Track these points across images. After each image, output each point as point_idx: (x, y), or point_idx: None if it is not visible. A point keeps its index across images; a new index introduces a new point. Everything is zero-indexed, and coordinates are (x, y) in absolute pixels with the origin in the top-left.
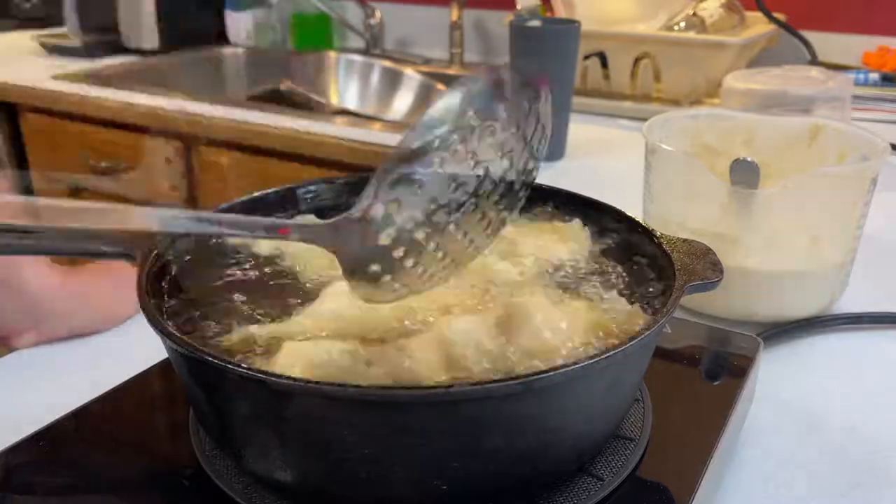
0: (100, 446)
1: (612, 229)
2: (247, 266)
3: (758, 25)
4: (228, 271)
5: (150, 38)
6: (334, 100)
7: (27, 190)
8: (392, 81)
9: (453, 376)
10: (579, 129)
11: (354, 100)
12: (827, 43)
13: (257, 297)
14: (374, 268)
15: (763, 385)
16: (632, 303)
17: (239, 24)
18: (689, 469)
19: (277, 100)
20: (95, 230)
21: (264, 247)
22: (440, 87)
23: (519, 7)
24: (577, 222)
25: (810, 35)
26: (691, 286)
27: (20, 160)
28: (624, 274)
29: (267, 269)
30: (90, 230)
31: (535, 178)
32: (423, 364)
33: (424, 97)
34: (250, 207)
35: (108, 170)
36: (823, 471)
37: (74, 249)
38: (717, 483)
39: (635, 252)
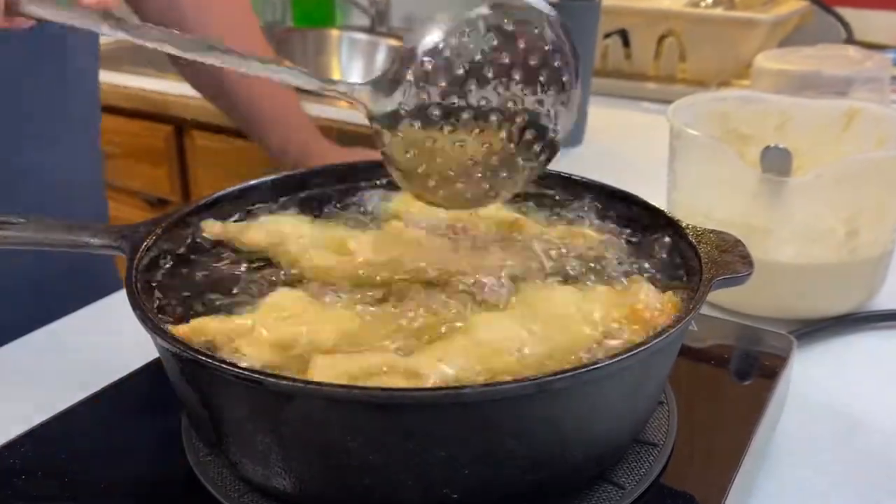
0: (87, 451)
1: (634, 219)
2: (229, 260)
3: (790, 2)
4: (219, 264)
5: None
6: None
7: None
8: None
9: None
10: (599, 113)
11: (359, 81)
12: (864, 20)
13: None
14: (402, 112)
15: (796, 386)
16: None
17: None
18: (716, 477)
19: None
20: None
21: (258, 239)
22: None
23: None
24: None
25: (846, 12)
26: (719, 280)
27: None
28: (646, 267)
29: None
30: (74, 223)
31: (555, 140)
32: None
33: None
34: (239, 195)
35: None
36: (862, 477)
37: (59, 242)
38: (747, 492)
39: (659, 244)
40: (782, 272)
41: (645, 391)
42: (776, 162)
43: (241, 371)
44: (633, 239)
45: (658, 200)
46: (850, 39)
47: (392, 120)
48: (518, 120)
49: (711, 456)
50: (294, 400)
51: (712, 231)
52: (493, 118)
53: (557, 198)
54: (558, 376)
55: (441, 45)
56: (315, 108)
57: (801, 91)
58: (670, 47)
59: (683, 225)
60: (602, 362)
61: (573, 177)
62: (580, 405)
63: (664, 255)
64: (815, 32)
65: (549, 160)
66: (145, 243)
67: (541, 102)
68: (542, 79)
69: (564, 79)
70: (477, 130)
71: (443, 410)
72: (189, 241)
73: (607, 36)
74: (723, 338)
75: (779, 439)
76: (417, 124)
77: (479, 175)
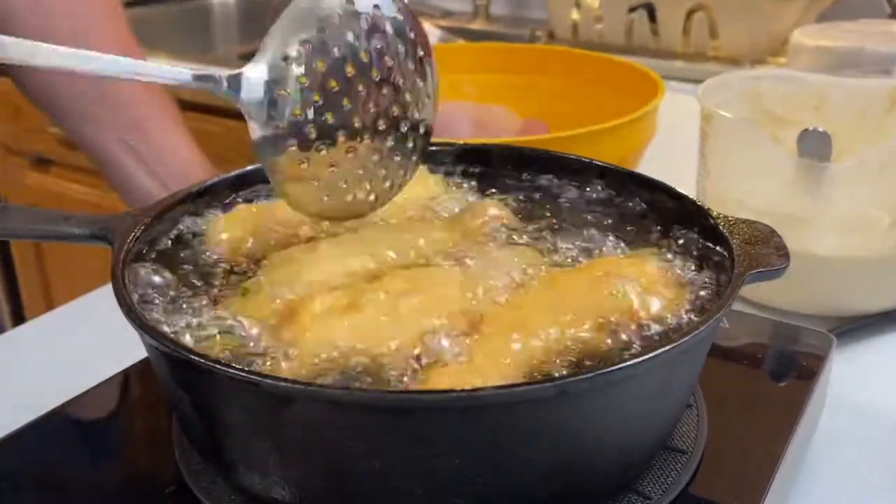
0: (69, 458)
1: (661, 208)
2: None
3: None
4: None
5: None
6: None
7: None
8: None
9: None
10: None
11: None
12: None
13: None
14: (291, 143)
15: (836, 388)
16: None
17: None
18: (750, 485)
19: None
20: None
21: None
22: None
23: None
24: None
25: None
26: (753, 274)
27: None
28: (673, 259)
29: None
30: (56, 212)
31: (422, 124)
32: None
33: None
34: (235, 182)
35: None
36: None
37: (39, 232)
38: (783, 501)
39: (687, 235)
40: (821, 265)
41: (672, 394)
42: (815, 146)
43: (236, 372)
44: (657, 230)
45: (687, 188)
46: (895, 14)
47: (275, 141)
48: (391, 115)
49: (744, 463)
50: (294, 403)
51: (745, 221)
52: (368, 120)
53: (576, 185)
54: (579, 377)
55: (307, 48)
56: None
57: (841, 70)
58: (700, 22)
59: (714, 214)
60: (626, 363)
61: (594, 162)
62: (602, 409)
63: (692, 248)
64: (856, 7)
65: (425, 148)
66: (133, 234)
67: (408, 93)
68: (401, 69)
69: (421, 66)
70: (362, 137)
71: (455, 414)
72: (180, 231)
73: (632, 10)
74: (756, 336)
75: (817, 445)
76: (295, 142)
77: (365, 181)
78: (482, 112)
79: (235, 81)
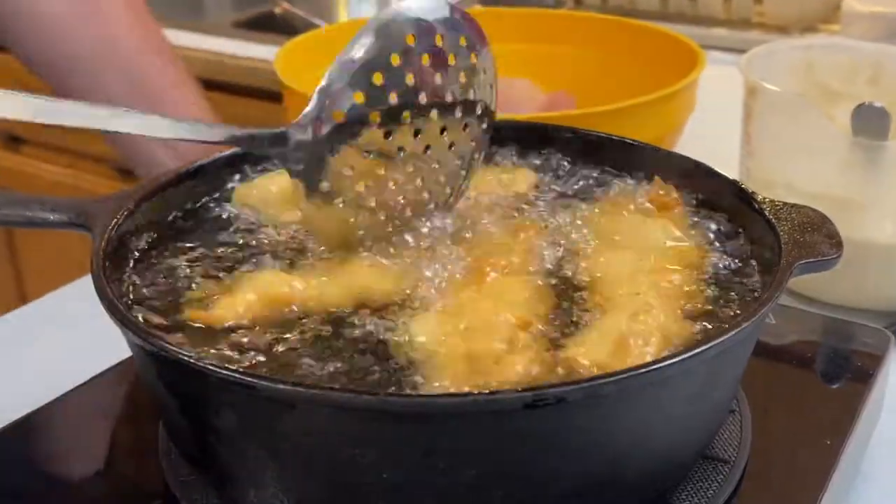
0: (45, 468)
1: (701, 192)
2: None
3: None
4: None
5: None
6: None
7: None
8: None
9: None
10: None
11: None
12: None
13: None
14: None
15: (895, 389)
16: (724, 289)
17: None
18: (800, 498)
19: (270, 26)
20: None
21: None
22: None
23: None
24: None
25: None
26: (802, 264)
27: None
28: (715, 248)
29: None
30: (30, 196)
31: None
32: None
33: None
34: (228, 163)
35: None
36: None
37: (13, 218)
38: None
39: (730, 221)
40: (878, 254)
41: (712, 397)
42: (871, 123)
43: (231, 374)
44: (696, 215)
45: (729, 170)
46: None
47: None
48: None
49: (793, 474)
50: (294, 408)
51: (794, 206)
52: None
53: (607, 165)
54: (609, 379)
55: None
56: None
57: None
58: None
59: (759, 199)
60: (661, 363)
61: (626, 140)
62: (634, 414)
63: (734, 235)
64: None
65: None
66: (114, 220)
67: (468, 82)
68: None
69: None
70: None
71: (472, 420)
72: (169, 217)
73: None
74: (806, 333)
75: (874, 453)
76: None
77: (422, 185)
78: (502, 85)
79: (280, 139)
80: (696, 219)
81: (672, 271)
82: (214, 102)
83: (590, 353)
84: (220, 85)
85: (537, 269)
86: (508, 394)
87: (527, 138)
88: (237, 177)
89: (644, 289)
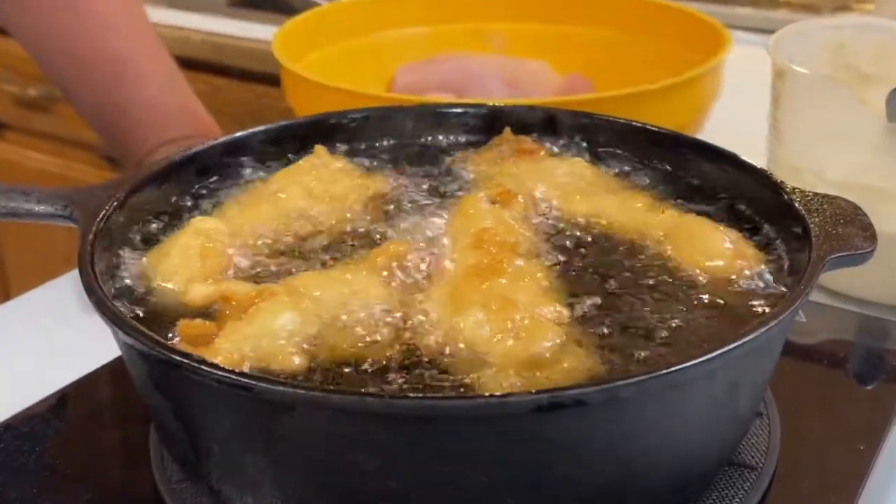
0: (29, 475)
1: (726, 181)
2: None
3: None
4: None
5: None
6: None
7: None
8: None
9: None
10: None
11: None
12: None
13: None
14: None
15: None
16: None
17: None
18: None
19: (268, 5)
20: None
21: None
22: None
23: None
24: None
25: None
26: (834, 258)
27: None
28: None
29: None
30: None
31: None
32: None
33: None
34: (224, 151)
35: (40, 101)
36: None
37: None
38: None
39: (757, 212)
40: None
41: (739, 400)
42: None
43: (226, 374)
44: (721, 206)
45: (756, 158)
46: None
47: None
48: None
49: (824, 481)
50: (293, 410)
51: (825, 196)
52: None
53: (625, 154)
54: (629, 381)
55: None
56: None
57: None
58: None
59: (788, 188)
60: (684, 364)
61: (646, 126)
62: (656, 417)
63: (761, 227)
64: None
65: None
66: (104, 211)
67: None
68: None
69: None
70: None
71: (483, 424)
72: (160, 207)
73: None
74: (838, 331)
75: None
76: None
77: None
78: (515, 68)
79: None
80: (721, 211)
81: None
82: (209, 86)
83: None
84: (214, 67)
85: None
86: (521, 396)
87: (541, 124)
88: (234, 167)
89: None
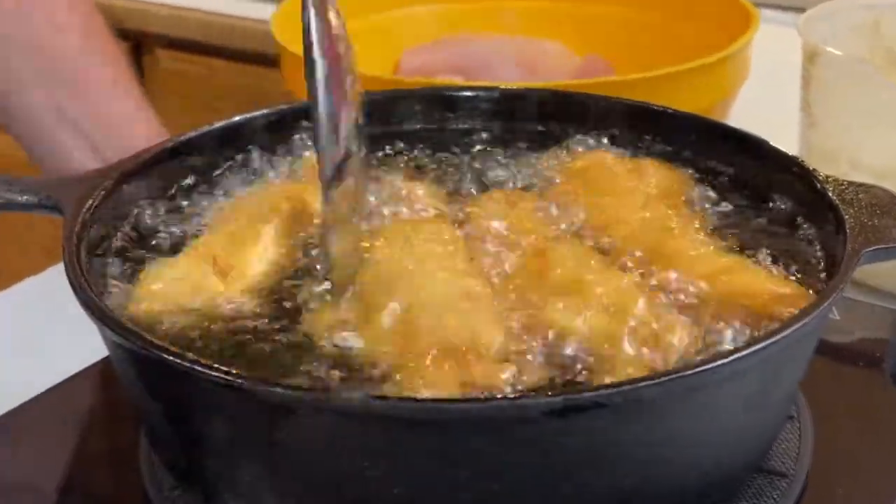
0: (12, 481)
1: (755, 169)
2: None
3: None
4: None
5: None
6: None
7: None
8: None
9: None
10: None
11: None
12: None
13: None
14: None
15: None
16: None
17: None
18: None
19: None
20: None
21: None
22: None
23: None
24: None
25: None
26: (871, 252)
27: None
28: (769, 233)
29: None
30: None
31: None
32: None
33: None
34: (221, 137)
35: None
36: None
37: None
38: None
39: (787, 202)
40: None
41: (768, 402)
42: None
43: (222, 375)
44: (747, 196)
45: (787, 144)
46: None
47: None
48: None
49: (859, 489)
50: (294, 413)
51: (860, 185)
52: None
53: (647, 139)
54: (652, 381)
55: None
56: None
57: None
58: None
59: (821, 177)
60: (710, 364)
61: (669, 111)
62: (680, 421)
63: (793, 218)
64: None
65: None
66: (90, 202)
67: None
68: None
69: None
70: None
71: (495, 428)
72: (153, 197)
73: None
74: (874, 329)
75: None
76: None
77: None
78: (530, 49)
79: None
80: (748, 201)
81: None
82: (204, 69)
83: None
84: (210, 49)
85: None
86: (537, 398)
87: (557, 109)
88: (231, 154)
89: None
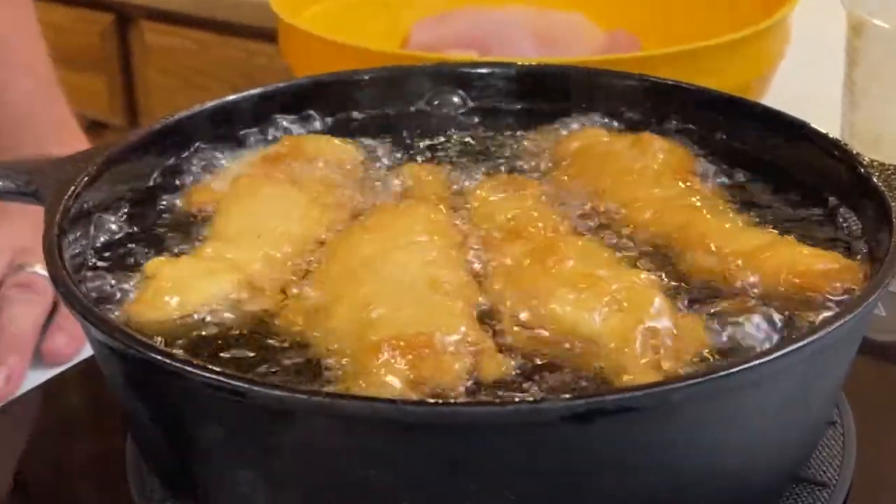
0: None
1: (793, 153)
2: None
3: None
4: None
5: None
6: None
7: None
8: None
9: None
10: None
11: None
12: None
13: None
14: None
15: None
16: None
17: None
18: None
19: None
20: None
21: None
22: None
23: None
24: None
25: None
26: None
27: None
28: (805, 221)
29: None
30: None
31: None
32: None
33: None
34: (211, 118)
35: None
36: None
37: None
38: None
39: (826, 188)
40: None
41: (808, 407)
42: None
43: (217, 377)
44: (784, 182)
45: (828, 125)
46: None
47: None
48: None
49: None
50: (293, 418)
51: None
52: None
53: (678, 120)
54: (683, 383)
55: None
56: None
57: None
58: None
59: (865, 161)
60: (744, 364)
61: (701, 89)
62: (712, 427)
63: (831, 206)
64: None
65: None
66: (73, 188)
67: None
68: None
69: None
70: None
71: (510, 434)
72: (141, 183)
73: None
74: None
75: None
76: None
77: None
78: (550, 22)
79: None
80: (787, 187)
81: None
82: (196, 44)
83: None
84: (202, 22)
85: None
86: (555, 402)
87: (578, 87)
88: (223, 134)
89: None
